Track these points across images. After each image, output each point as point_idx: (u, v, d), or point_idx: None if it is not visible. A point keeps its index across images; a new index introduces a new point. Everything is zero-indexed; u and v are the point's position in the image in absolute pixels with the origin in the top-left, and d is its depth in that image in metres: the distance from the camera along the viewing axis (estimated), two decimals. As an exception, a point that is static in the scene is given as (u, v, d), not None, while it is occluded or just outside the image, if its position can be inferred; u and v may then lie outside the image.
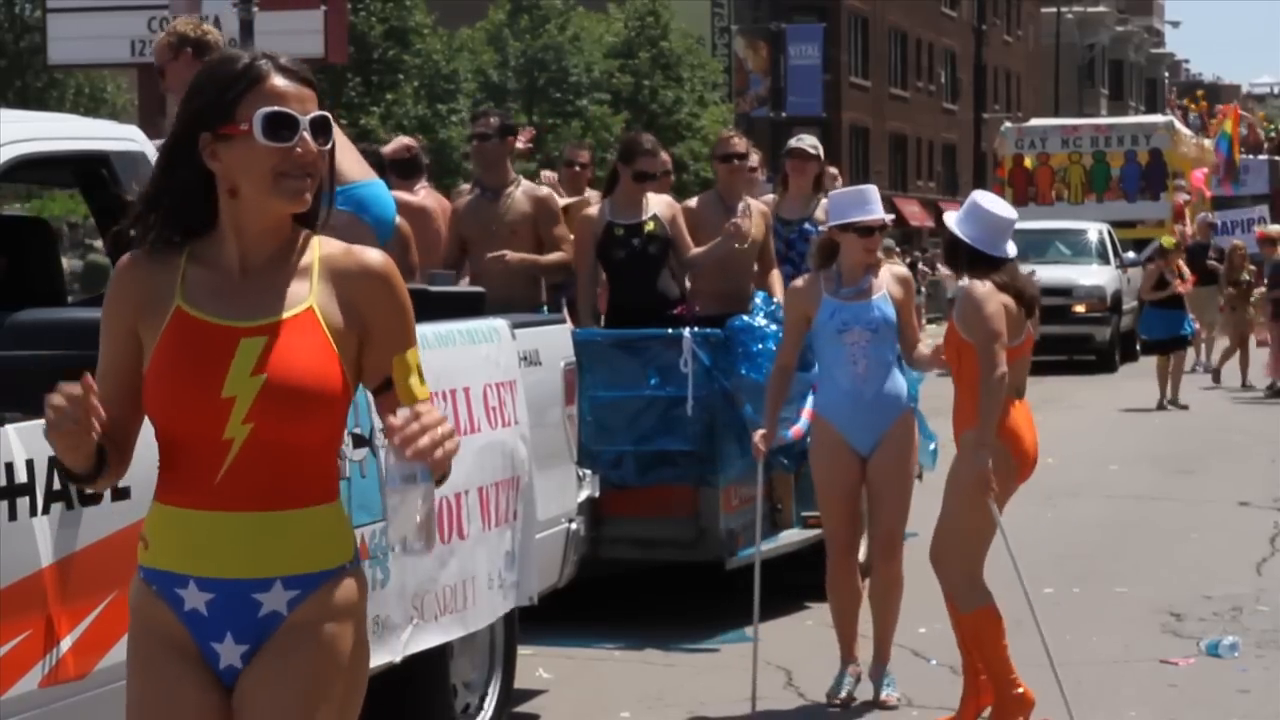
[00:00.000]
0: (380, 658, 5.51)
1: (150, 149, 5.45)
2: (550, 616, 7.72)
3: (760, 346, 8.88)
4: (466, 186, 11.12)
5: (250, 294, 3.40)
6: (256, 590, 3.37)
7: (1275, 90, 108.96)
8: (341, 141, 6.02)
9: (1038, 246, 25.60)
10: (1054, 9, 67.90)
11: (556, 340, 7.39)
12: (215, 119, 3.37)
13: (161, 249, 3.43)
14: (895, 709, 7.55)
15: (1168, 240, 22.55)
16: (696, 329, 8.92)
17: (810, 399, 8.56)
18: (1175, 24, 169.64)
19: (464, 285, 8.70)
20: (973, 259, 7.05)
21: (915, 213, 62.43)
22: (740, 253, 9.34)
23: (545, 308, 9.48)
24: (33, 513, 4.47)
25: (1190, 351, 22.89)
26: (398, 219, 7.89)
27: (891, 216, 8.00)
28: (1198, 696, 7.74)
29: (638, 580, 9.69)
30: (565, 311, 9.74)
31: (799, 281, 7.80)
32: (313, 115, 3.39)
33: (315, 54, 20.91)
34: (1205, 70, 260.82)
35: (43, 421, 3.28)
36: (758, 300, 9.31)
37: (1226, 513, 12.73)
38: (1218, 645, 8.44)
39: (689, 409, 8.76)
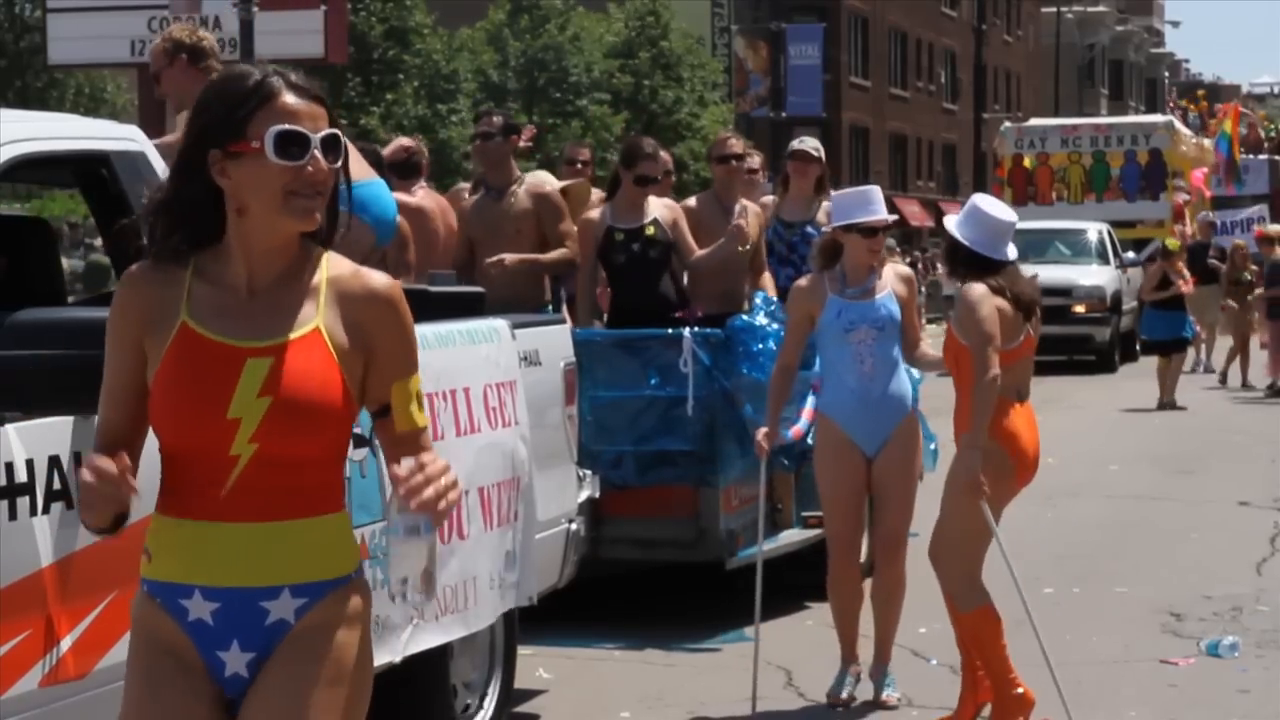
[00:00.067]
0: (380, 658, 5.50)
1: (150, 149, 5.46)
2: (550, 616, 7.72)
3: (761, 346, 8.88)
4: (465, 186, 11.13)
5: (257, 313, 3.37)
6: (264, 598, 3.36)
7: (1275, 90, 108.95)
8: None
9: (1037, 247, 25.58)
10: (1054, 9, 67.88)
11: (556, 340, 7.39)
12: (225, 136, 3.34)
13: (167, 260, 3.41)
14: (895, 709, 7.55)
15: (1172, 243, 22.56)
16: (697, 329, 8.93)
17: (810, 399, 8.56)
18: (1175, 24, 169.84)
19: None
20: (972, 262, 7.06)
21: (915, 213, 62.43)
22: (739, 254, 9.35)
23: (550, 307, 9.49)
24: (33, 513, 4.47)
25: (1190, 352, 22.91)
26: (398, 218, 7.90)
27: (894, 217, 8.00)
28: (1198, 696, 7.74)
29: (638, 580, 9.69)
30: (565, 308, 9.76)
31: (803, 281, 7.78)
32: (324, 133, 3.37)
33: (315, 54, 20.91)
34: (1205, 70, 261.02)
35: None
36: (758, 300, 9.32)
37: (1226, 513, 12.73)
38: (1218, 645, 8.44)
39: (689, 409, 8.76)
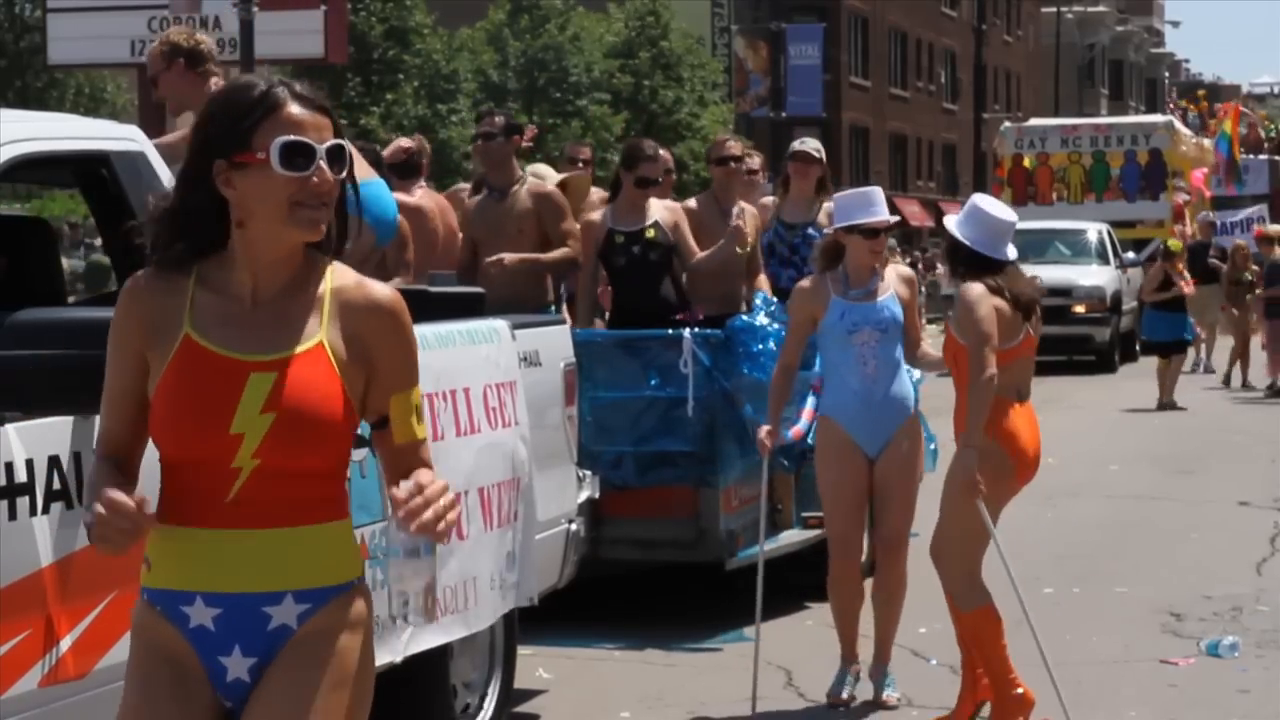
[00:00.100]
0: (381, 658, 5.49)
1: (150, 149, 5.45)
2: (550, 616, 7.72)
3: (761, 346, 8.88)
4: (465, 186, 11.12)
5: (260, 325, 3.36)
6: (267, 604, 3.36)
7: (1275, 90, 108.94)
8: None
9: (1037, 247, 25.59)
10: (1054, 9, 67.88)
11: (556, 341, 7.39)
12: (230, 147, 3.32)
13: (170, 268, 3.39)
14: (895, 709, 7.55)
15: (1174, 244, 22.56)
16: (697, 329, 8.93)
17: (810, 399, 8.56)
18: (1175, 24, 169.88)
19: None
20: (972, 261, 7.06)
21: (915, 213, 62.41)
22: (737, 256, 9.37)
23: (552, 307, 9.49)
24: (33, 513, 4.47)
25: (1190, 352, 22.91)
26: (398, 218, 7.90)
27: (896, 218, 8.00)
28: (1198, 696, 7.74)
29: (638, 580, 9.69)
30: (565, 307, 9.76)
31: (805, 282, 7.78)
32: (329, 144, 3.35)
33: (315, 54, 20.94)
34: (1205, 70, 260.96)
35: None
36: (758, 300, 9.32)
37: (1226, 513, 12.73)
38: (1218, 645, 8.44)
39: (689, 410, 8.76)
